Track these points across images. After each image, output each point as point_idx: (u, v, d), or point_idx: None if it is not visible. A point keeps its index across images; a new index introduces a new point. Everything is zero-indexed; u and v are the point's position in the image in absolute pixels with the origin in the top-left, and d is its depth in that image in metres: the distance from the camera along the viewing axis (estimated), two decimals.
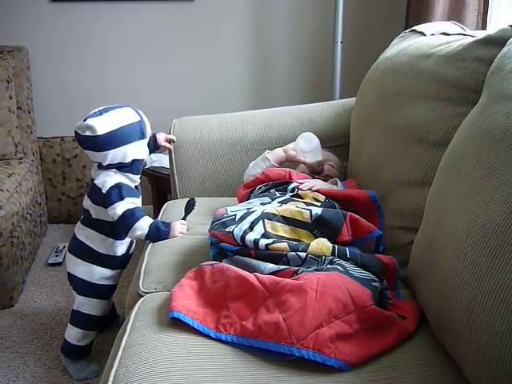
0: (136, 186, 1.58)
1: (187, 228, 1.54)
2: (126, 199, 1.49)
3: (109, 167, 1.51)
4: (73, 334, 1.66)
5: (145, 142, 1.54)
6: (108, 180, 1.51)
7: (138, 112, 1.54)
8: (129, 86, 2.71)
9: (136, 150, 1.52)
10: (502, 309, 0.74)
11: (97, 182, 1.52)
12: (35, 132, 2.65)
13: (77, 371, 1.68)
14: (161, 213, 1.79)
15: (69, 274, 1.64)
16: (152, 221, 1.52)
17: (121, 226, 1.51)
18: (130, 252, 1.68)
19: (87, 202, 1.58)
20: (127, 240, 1.63)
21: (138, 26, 2.65)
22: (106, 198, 1.50)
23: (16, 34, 2.60)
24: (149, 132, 1.56)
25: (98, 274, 1.61)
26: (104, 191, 1.50)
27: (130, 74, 2.71)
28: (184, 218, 1.57)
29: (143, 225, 1.49)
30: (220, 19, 2.65)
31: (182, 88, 2.74)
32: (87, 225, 1.61)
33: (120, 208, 1.48)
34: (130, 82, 2.71)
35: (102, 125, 1.45)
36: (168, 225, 1.51)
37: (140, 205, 1.55)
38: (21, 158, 2.48)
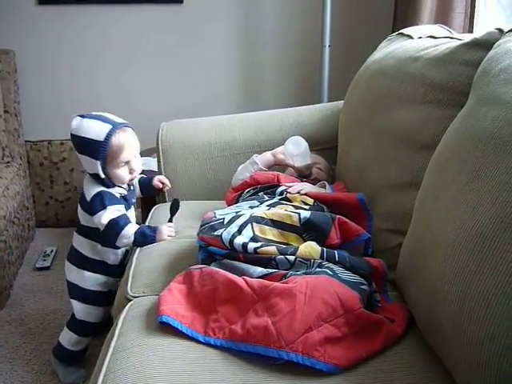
0: (123, 196, 1.56)
1: (175, 230, 1.53)
2: (109, 208, 1.48)
3: (91, 175, 1.52)
4: (67, 338, 1.67)
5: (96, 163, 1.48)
6: (90, 188, 1.51)
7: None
8: (118, 90, 2.70)
9: (90, 166, 1.49)
10: (490, 311, 0.74)
11: (83, 189, 1.54)
12: (22, 135, 2.63)
13: (66, 375, 1.68)
14: (149, 216, 1.78)
15: (66, 280, 1.66)
16: (137, 227, 1.51)
17: (107, 236, 1.51)
18: (126, 261, 1.65)
19: (79, 209, 1.59)
20: (121, 250, 1.62)
21: (127, 30, 2.64)
22: (90, 207, 1.50)
23: (3, 37, 2.58)
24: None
25: (91, 281, 1.61)
26: (88, 199, 1.51)
27: (119, 78, 2.70)
28: (170, 220, 1.57)
29: (128, 232, 1.48)
30: (209, 22, 2.65)
31: (171, 91, 2.74)
32: (78, 231, 1.62)
33: (104, 218, 1.47)
34: (118, 85, 2.70)
35: (74, 126, 1.49)
36: (154, 229, 1.51)
37: (124, 211, 1.53)
38: (8, 162, 2.46)
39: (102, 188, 1.51)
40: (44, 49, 2.64)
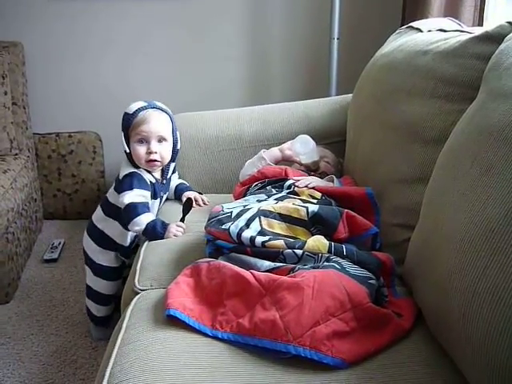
0: (152, 183, 1.60)
1: (184, 230, 1.51)
2: (135, 190, 1.54)
3: (127, 155, 1.60)
4: (89, 304, 1.80)
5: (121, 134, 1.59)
6: (124, 168, 1.60)
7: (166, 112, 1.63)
8: (125, 83, 2.69)
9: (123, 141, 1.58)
10: (499, 307, 0.74)
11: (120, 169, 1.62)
12: (30, 128, 2.63)
13: (94, 332, 1.84)
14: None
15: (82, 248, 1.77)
16: (152, 218, 1.52)
17: (124, 216, 1.56)
18: (133, 246, 1.72)
19: (111, 188, 1.66)
20: (131, 234, 1.67)
21: (135, 23, 2.63)
22: (120, 185, 1.58)
23: (11, 29, 2.58)
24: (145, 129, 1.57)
25: (99, 254, 1.70)
26: (120, 177, 1.59)
27: (127, 71, 2.69)
28: (182, 220, 1.56)
29: (142, 221, 1.51)
30: (216, 16, 2.64)
31: (178, 85, 2.73)
32: (102, 206, 1.70)
33: (127, 198, 1.53)
34: (126, 78, 2.69)
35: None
36: (165, 226, 1.51)
37: (149, 199, 1.58)
38: (16, 154, 2.47)
39: (135, 170, 1.57)
40: (52, 41, 2.64)
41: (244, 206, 1.29)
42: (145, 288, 1.25)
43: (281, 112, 1.96)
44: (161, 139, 1.57)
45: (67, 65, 2.68)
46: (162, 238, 1.49)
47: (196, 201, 1.70)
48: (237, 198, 1.56)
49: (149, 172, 1.61)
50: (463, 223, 0.86)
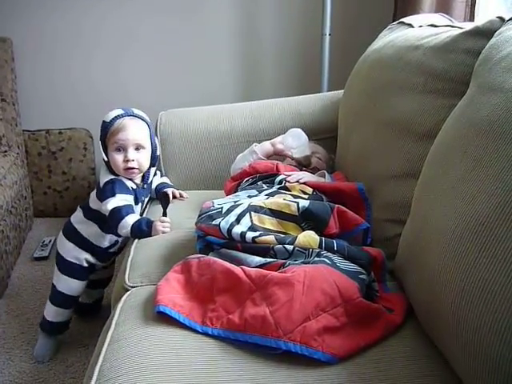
0: (133, 189, 1.60)
1: (170, 224, 1.51)
2: (118, 195, 1.54)
3: (105, 163, 1.60)
4: (47, 309, 1.75)
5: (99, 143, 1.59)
6: (104, 175, 1.60)
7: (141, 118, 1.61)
8: (116, 79, 2.68)
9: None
10: (488, 301, 0.74)
11: (99, 177, 1.63)
12: (20, 124, 2.62)
13: (39, 346, 1.76)
14: (145, 212, 1.77)
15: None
16: (137, 219, 1.52)
17: (110, 223, 1.55)
18: (111, 250, 1.72)
19: (92, 194, 1.66)
20: (109, 238, 1.67)
21: (125, 19, 2.62)
22: (101, 193, 1.57)
23: (0, 25, 2.56)
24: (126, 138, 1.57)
25: (71, 251, 1.67)
26: (101, 185, 1.58)
27: (118, 67, 2.68)
28: (164, 215, 1.56)
29: (128, 222, 1.51)
30: (208, 12, 2.63)
31: (170, 82, 2.72)
32: (82, 209, 1.69)
33: (110, 204, 1.53)
34: (117, 74, 2.68)
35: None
36: (150, 223, 1.51)
37: (132, 202, 1.57)
38: (5, 151, 2.45)
39: (115, 177, 1.58)
40: (42, 37, 2.62)
41: (235, 202, 1.29)
42: (135, 285, 1.24)
43: (272, 108, 1.96)
44: (138, 147, 1.57)
45: (57, 61, 2.66)
46: (150, 235, 1.49)
47: (174, 195, 1.73)
48: (228, 193, 1.55)
49: (129, 179, 1.61)
50: (453, 217, 0.86)
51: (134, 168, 1.56)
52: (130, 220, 1.51)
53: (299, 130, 1.67)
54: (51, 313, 1.74)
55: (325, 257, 1.07)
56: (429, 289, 0.92)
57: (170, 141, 1.90)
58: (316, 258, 1.07)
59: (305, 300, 0.94)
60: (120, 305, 1.13)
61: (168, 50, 2.67)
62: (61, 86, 2.69)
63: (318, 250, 1.10)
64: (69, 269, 1.69)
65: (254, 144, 1.71)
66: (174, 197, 1.74)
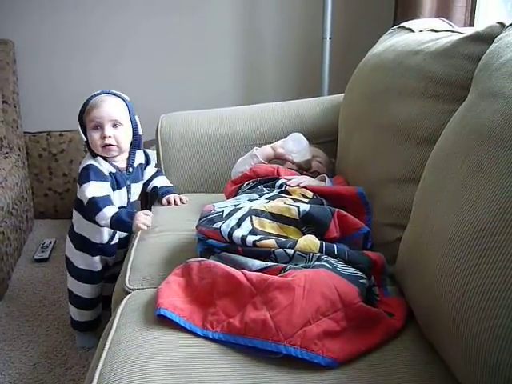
0: (113, 174, 1.59)
1: (151, 219, 1.52)
2: (92, 182, 1.52)
3: (88, 148, 1.60)
4: (71, 309, 1.77)
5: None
6: (84, 161, 1.60)
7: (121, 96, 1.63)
8: (117, 82, 2.66)
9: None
10: (489, 307, 0.74)
11: None
12: (21, 126, 2.62)
13: (79, 340, 1.81)
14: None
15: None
16: (115, 211, 1.51)
17: (88, 212, 1.56)
18: (113, 242, 1.70)
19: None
20: (107, 230, 1.65)
21: (126, 22, 2.63)
22: (78, 179, 1.58)
23: (2, 27, 2.57)
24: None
25: (78, 256, 1.68)
26: (79, 171, 1.59)
27: (119, 70, 2.69)
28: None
29: (106, 214, 1.50)
30: (209, 15, 2.64)
31: (170, 84, 2.72)
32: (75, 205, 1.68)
33: (87, 192, 1.52)
34: (118, 77, 2.68)
35: None
36: (132, 215, 1.50)
37: (109, 191, 1.56)
38: (6, 153, 2.45)
39: (92, 162, 1.56)
40: (43, 39, 2.63)
41: (235, 206, 1.29)
42: (135, 288, 1.25)
43: (273, 111, 1.96)
44: (115, 123, 1.55)
45: (58, 63, 2.67)
46: (131, 226, 1.49)
47: (175, 202, 1.73)
48: (228, 197, 1.56)
49: (109, 162, 1.59)
50: (453, 222, 0.87)
51: (111, 145, 1.55)
52: (108, 212, 1.49)
53: (300, 135, 1.67)
54: (76, 313, 1.76)
55: (325, 261, 1.07)
56: (429, 293, 0.93)
57: (170, 144, 1.90)
58: (316, 263, 1.07)
59: (305, 304, 0.95)
60: (121, 308, 1.13)
61: (169, 53, 2.68)
62: (62, 88, 2.70)
63: (318, 254, 1.10)
64: (82, 276, 1.70)
65: (255, 147, 1.71)
66: (175, 203, 1.73)
